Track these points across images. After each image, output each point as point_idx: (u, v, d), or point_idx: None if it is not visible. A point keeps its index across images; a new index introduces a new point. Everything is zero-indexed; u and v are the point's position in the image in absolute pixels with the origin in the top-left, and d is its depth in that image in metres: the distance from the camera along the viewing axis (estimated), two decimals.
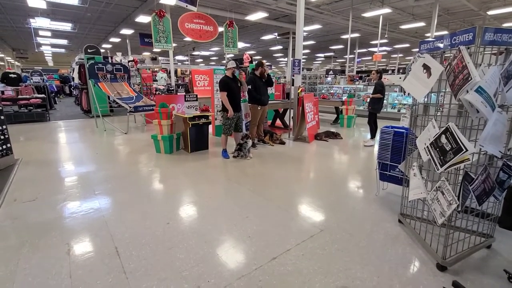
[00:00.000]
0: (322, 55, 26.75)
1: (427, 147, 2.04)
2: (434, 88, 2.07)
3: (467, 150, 1.70)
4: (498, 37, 1.74)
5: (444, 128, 1.87)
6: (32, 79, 12.43)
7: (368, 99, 5.92)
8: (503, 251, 2.20)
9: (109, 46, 19.96)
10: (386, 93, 7.40)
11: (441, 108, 2.18)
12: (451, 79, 1.83)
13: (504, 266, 1.97)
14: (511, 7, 10.85)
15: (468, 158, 1.74)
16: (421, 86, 2.08)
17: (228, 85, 4.49)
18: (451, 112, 2.00)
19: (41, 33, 15.30)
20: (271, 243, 2.29)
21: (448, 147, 1.82)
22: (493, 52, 1.90)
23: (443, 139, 1.87)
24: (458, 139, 1.75)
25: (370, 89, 8.51)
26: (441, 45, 2.03)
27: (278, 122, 8.06)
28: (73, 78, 13.21)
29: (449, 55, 1.99)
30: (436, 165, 1.93)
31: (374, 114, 5.76)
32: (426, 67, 2.05)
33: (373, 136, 5.82)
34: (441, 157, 1.89)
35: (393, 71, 22.86)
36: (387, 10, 11.33)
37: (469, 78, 1.66)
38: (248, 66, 8.60)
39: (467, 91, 1.69)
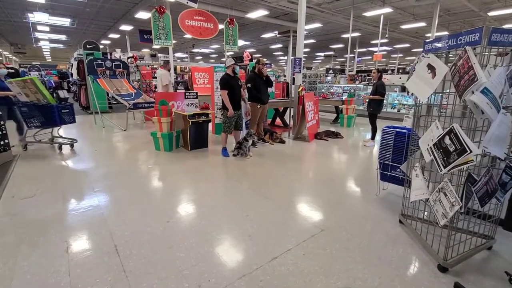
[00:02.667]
0: (322, 54, 26.71)
1: (430, 148, 2.03)
2: (437, 88, 2.06)
3: (471, 151, 1.69)
4: (505, 38, 1.72)
5: (448, 129, 1.86)
6: (30, 74, 12.33)
7: (367, 100, 5.88)
8: (504, 253, 2.20)
9: (108, 42, 19.81)
10: (386, 93, 7.37)
11: (444, 109, 2.17)
12: (456, 80, 1.82)
13: (505, 268, 1.97)
14: (511, 8, 10.85)
15: (472, 160, 1.73)
16: (426, 86, 2.07)
17: (229, 83, 4.46)
18: (455, 113, 1.99)
19: (39, 28, 15.15)
20: (272, 242, 2.28)
21: (452, 148, 1.81)
22: (497, 53, 1.89)
23: (447, 140, 1.86)
24: (462, 140, 1.74)
25: (370, 89, 8.50)
26: (446, 45, 2.01)
27: (278, 121, 8.04)
28: (71, 74, 13.11)
29: (452, 56, 1.98)
30: (439, 166, 1.92)
31: (375, 115, 5.73)
32: (430, 67, 2.03)
33: (373, 137, 5.80)
34: (445, 158, 1.88)
35: (393, 71, 22.87)
36: (388, 10, 11.30)
37: (475, 79, 1.64)
38: (248, 64, 8.56)
39: (473, 92, 1.68)
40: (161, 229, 2.45)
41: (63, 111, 4.83)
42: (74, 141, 5.19)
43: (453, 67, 1.86)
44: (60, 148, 4.96)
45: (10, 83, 4.57)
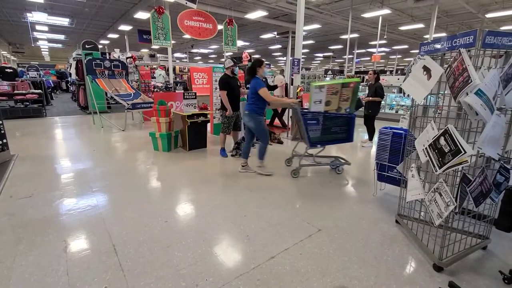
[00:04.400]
0: (321, 55, 26.79)
1: (426, 148, 2.05)
2: (433, 90, 2.08)
3: (465, 152, 1.71)
4: (499, 40, 1.75)
5: (443, 130, 1.88)
6: (28, 74, 12.31)
7: (364, 102, 5.87)
8: (498, 252, 2.23)
9: (107, 42, 19.80)
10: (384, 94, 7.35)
11: (439, 110, 2.19)
12: (451, 82, 1.84)
13: (499, 267, 1.99)
14: (509, 10, 10.93)
15: (467, 160, 1.76)
16: (421, 87, 2.09)
17: (228, 83, 4.48)
18: (450, 114, 2.01)
19: (38, 27, 15.14)
20: (269, 242, 2.29)
21: (447, 149, 1.83)
22: (492, 55, 1.92)
23: (442, 141, 1.88)
24: (457, 141, 1.76)
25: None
26: (442, 47, 2.04)
27: (276, 121, 8.06)
28: (70, 74, 13.08)
29: (448, 58, 2.01)
30: (434, 166, 1.94)
31: (373, 116, 5.73)
32: (426, 69, 2.06)
33: (371, 138, 5.82)
34: (440, 159, 1.90)
35: (391, 72, 22.96)
36: (386, 11, 11.35)
37: (469, 81, 1.67)
38: (247, 65, 8.56)
39: (467, 94, 1.70)
40: (159, 228, 2.46)
41: None
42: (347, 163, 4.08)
43: (448, 68, 1.89)
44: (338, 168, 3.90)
45: (321, 87, 3.45)
